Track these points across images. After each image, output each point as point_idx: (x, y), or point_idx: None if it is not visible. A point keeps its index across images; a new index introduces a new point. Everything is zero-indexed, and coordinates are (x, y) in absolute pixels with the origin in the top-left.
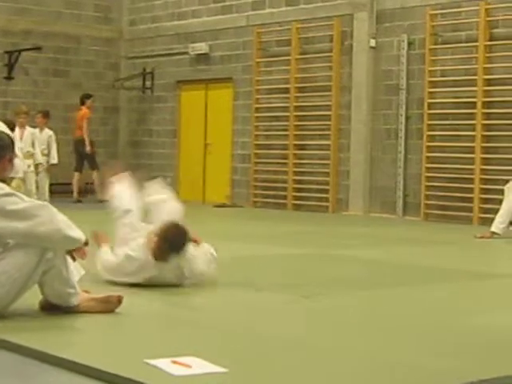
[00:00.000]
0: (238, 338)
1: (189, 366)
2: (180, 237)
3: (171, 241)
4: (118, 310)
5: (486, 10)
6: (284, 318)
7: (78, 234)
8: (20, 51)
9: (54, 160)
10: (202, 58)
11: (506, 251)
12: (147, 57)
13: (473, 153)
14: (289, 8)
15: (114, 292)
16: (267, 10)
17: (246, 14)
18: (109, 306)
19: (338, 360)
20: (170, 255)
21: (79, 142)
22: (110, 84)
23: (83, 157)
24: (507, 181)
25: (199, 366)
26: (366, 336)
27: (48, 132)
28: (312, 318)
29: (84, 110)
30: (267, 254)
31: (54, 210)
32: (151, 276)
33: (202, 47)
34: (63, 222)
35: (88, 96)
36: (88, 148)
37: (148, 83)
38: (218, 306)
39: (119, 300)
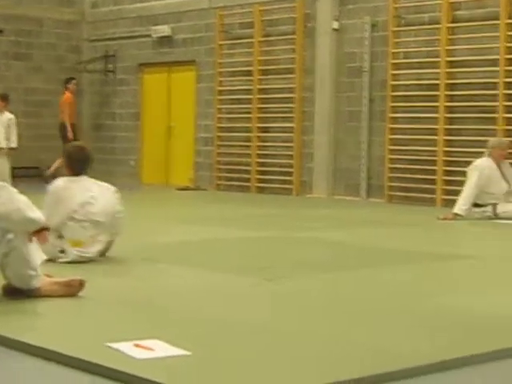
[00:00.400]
0: (201, 321)
1: (152, 350)
2: (83, 151)
3: (76, 155)
4: (80, 294)
5: None
6: (247, 301)
7: (37, 215)
8: None
9: (14, 144)
10: (165, 40)
11: (468, 233)
12: (109, 39)
13: (436, 135)
14: None
15: (77, 276)
16: None
17: None
18: (71, 290)
19: (301, 343)
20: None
21: (62, 127)
22: (72, 67)
23: (65, 141)
24: (470, 163)
25: (162, 349)
26: (331, 319)
27: (8, 115)
28: (275, 301)
29: (66, 94)
30: (230, 236)
31: (14, 190)
32: None
33: (164, 30)
34: (23, 203)
35: (68, 80)
36: (69, 134)
37: (110, 66)
38: (181, 289)
39: (81, 284)
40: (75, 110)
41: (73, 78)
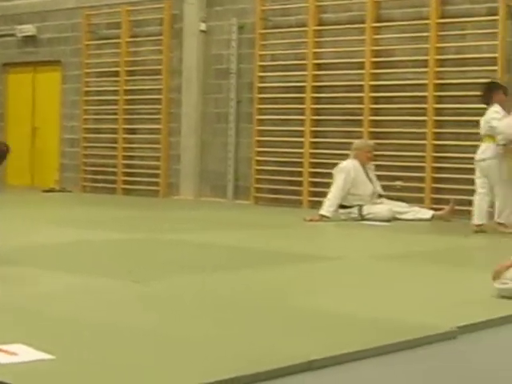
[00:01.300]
0: (66, 324)
1: (15, 354)
2: None
3: None
4: None
5: None
6: (113, 304)
7: None
8: None
9: None
10: (30, 40)
11: (334, 234)
12: None
13: (302, 137)
14: None
15: None
16: None
17: None
18: None
19: (170, 345)
20: None
21: None
22: None
23: None
24: (336, 164)
25: (26, 353)
26: (200, 320)
27: None
28: (143, 303)
29: None
30: (97, 239)
31: None
32: None
33: (29, 29)
34: None
35: None
36: None
37: None
38: (46, 291)
39: None
40: None
41: None
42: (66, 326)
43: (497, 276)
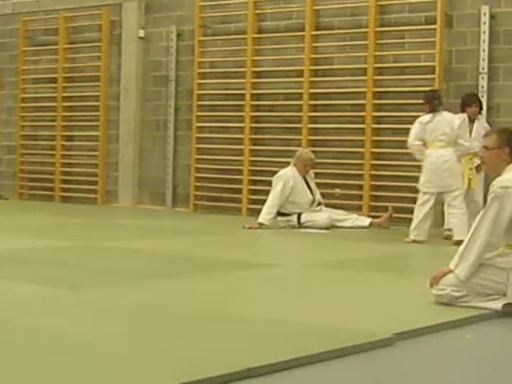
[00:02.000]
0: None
1: None
2: None
3: None
4: None
5: (255, 2)
6: (48, 311)
7: None
8: None
9: None
10: None
11: (272, 241)
12: None
13: (241, 144)
14: None
15: None
16: None
17: (11, 1)
18: None
19: (103, 351)
20: None
21: None
22: None
23: None
24: (275, 172)
25: None
26: (133, 328)
27: None
28: (77, 310)
29: None
30: (34, 246)
31: None
32: None
33: None
34: None
35: None
36: None
37: None
38: None
39: None
40: None
41: None
42: None
43: (434, 282)
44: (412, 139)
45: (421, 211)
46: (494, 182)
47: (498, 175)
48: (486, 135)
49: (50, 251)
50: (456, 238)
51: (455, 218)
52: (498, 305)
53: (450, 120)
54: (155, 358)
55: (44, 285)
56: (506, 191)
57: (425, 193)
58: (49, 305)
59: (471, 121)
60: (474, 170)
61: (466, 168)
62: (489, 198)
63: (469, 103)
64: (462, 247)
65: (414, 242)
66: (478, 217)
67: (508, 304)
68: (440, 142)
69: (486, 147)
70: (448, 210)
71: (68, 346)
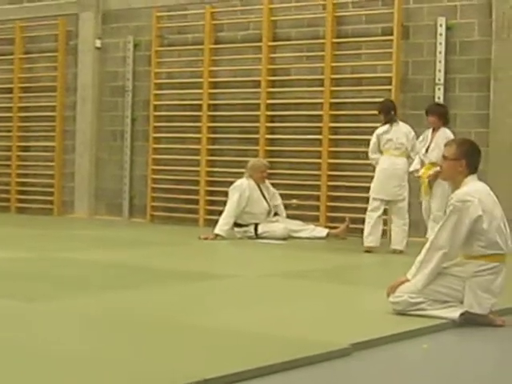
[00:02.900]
0: None
1: None
2: None
3: None
4: None
5: (212, 13)
6: (6, 323)
7: None
8: None
9: None
10: None
11: (229, 252)
12: None
13: (198, 155)
14: (12, 6)
15: None
16: None
17: None
18: None
19: (57, 364)
20: None
21: None
22: None
23: None
24: (232, 183)
25: None
26: (89, 340)
27: None
28: (34, 322)
29: None
30: None
31: None
32: None
33: None
34: None
35: None
36: None
37: None
38: None
39: None
40: None
41: None
42: None
43: (392, 291)
44: (370, 153)
45: (371, 217)
46: (452, 195)
47: (456, 188)
48: (445, 145)
49: (6, 262)
50: (392, 246)
51: (396, 227)
52: (455, 314)
53: (405, 131)
54: (111, 369)
55: (1, 297)
56: (464, 205)
57: (374, 199)
58: (5, 317)
59: (434, 130)
60: (427, 180)
61: (423, 176)
62: (447, 211)
63: (426, 113)
64: (419, 257)
65: (369, 248)
66: (436, 228)
67: (465, 313)
68: (395, 151)
69: (444, 157)
70: (392, 218)
71: (24, 359)
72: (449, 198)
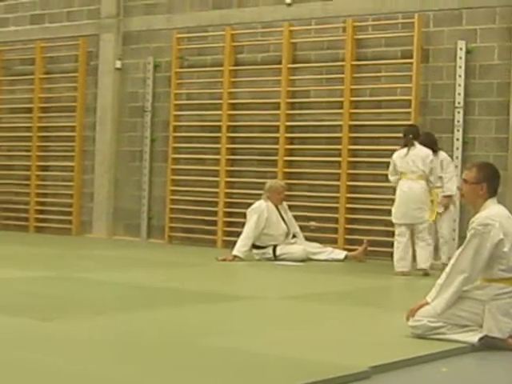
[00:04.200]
0: None
1: None
2: None
3: None
4: None
5: (232, 35)
6: (21, 342)
7: None
8: None
9: None
10: None
11: (247, 274)
12: None
13: (217, 176)
14: (33, 26)
15: None
16: (11, 28)
17: None
18: None
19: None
20: None
21: None
22: None
23: None
24: (250, 204)
25: None
26: (107, 360)
27: None
28: (51, 342)
29: None
30: (6, 276)
31: None
32: None
33: None
34: None
35: None
36: None
37: None
38: None
39: None
40: None
41: None
42: None
43: (411, 315)
44: (389, 175)
45: (400, 242)
46: (473, 219)
47: (476, 211)
48: (467, 168)
49: (24, 282)
50: (418, 266)
51: (420, 248)
52: (474, 338)
53: (422, 155)
54: None
55: (16, 316)
56: (485, 228)
57: (398, 224)
58: (20, 336)
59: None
60: (432, 204)
61: (431, 219)
62: (468, 235)
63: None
64: (439, 281)
65: (402, 273)
66: (457, 252)
67: (484, 337)
68: (412, 174)
69: (465, 180)
70: (415, 239)
71: (35, 379)
72: (469, 221)
